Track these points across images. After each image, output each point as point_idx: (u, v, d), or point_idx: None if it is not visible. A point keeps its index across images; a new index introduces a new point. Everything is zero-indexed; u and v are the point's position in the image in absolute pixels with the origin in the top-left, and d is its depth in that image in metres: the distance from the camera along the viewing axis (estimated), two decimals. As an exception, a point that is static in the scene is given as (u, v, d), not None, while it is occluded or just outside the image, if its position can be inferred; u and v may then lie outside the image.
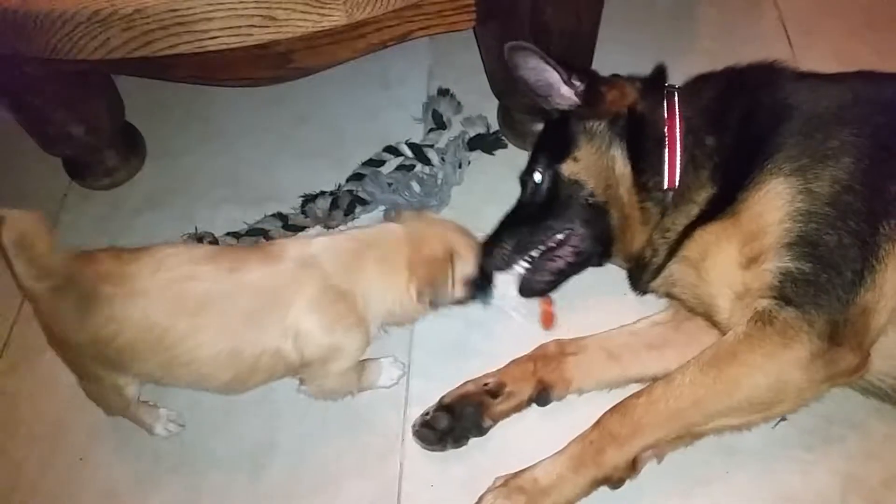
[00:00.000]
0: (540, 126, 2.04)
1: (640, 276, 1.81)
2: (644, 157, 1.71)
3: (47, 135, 2.13)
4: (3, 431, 1.89)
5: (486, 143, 2.30)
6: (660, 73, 1.81)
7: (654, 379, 1.64)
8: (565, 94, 1.77)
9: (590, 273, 2.00)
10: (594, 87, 1.76)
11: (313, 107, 2.50)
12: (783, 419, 1.76)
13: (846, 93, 1.66)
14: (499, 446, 1.76)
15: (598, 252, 1.82)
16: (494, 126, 2.35)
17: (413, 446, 1.77)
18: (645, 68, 1.84)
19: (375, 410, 1.85)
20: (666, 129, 1.69)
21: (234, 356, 1.54)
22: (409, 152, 2.27)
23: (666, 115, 1.70)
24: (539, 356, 1.81)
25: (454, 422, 1.73)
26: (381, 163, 2.28)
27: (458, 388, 1.79)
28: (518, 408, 1.78)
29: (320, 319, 1.56)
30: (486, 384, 1.77)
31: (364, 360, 1.78)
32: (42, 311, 1.54)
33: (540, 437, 1.71)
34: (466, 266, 1.71)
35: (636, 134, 1.73)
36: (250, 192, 2.29)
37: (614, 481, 1.60)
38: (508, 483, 1.60)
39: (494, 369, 1.82)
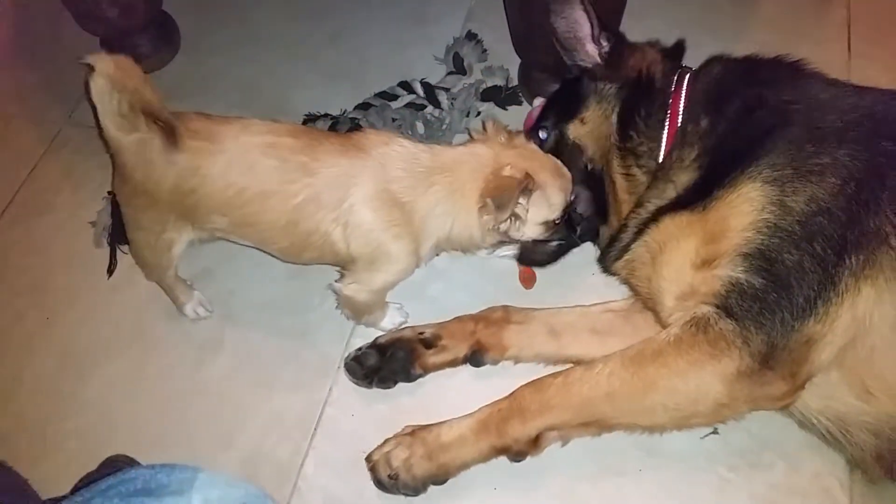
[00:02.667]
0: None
1: (609, 251, 1.75)
2: (643, 124, 1.66)
3: (81, 10, 2.20)
4: (-10, 279, 2.06)
5: (500, 97, 2.26)
6: (678, 46, 1.76)
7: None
8: (590, 51, 1.75)
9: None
10: (618, 50, 1.74)
11: (347, 29, 2.51)
12: (714, 432, 1.72)
13: (860, 109, 1.53)
14: (427, 396, 1.79)
15: (599, 220, 1.78)
16: (515, 81, 2.29)
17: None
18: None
19: (322, 335, 1.91)
20: (671, 101, 1.64)
21: (291, 227, 1.59)
22: (420, 91, 2.25)
23: (674, 87, 1.65)
24: (483, 317, 1.81)
25: (382, 362, 1.76)
26: (394, 97, 2.27)
27: (395, 331, 1.82)
28: (451, 363, 1.80)
29: (372, 218, 1.58)
30: (421, 333, 1.79)
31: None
32: (126, 162, 1.57)
33: (470, 397, 1.71)
34: (548, 205, 1.63)
35: (641, 98, 1.68)
36: (266, 103, 2.33)
37: (513, 453, 1.60)
38: (415, 433, 1.63)
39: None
